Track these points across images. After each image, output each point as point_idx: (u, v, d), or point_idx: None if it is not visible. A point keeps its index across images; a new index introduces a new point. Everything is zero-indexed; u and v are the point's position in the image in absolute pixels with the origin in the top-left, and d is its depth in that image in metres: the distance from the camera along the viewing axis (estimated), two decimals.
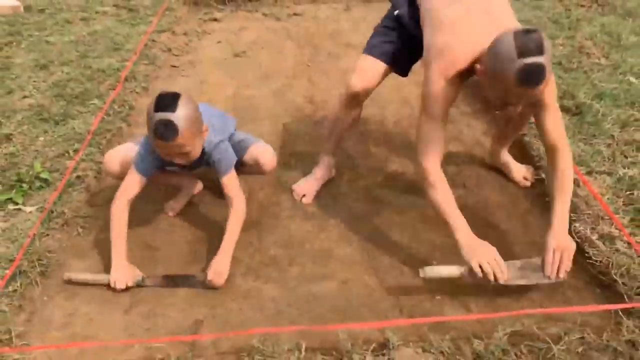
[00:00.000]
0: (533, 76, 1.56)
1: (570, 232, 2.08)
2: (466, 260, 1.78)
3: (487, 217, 2.27)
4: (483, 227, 2.21)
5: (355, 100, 2.27)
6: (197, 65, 3.75)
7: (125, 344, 1.75)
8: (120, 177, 2.13)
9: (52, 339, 1.79)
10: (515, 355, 1.61)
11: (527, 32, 1.58)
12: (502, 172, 2.53)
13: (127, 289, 1.97)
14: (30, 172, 2.49)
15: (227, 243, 2.03)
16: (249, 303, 1.92)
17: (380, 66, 2.19)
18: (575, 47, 3.51)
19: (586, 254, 1.99)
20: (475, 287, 1.88)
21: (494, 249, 1.80)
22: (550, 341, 1.64)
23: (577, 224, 2.10)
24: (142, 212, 2.30)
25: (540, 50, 1.55)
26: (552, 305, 1.84)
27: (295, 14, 4.56)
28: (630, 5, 4.25)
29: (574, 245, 1.81)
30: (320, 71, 3.63)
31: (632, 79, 3.10)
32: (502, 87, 1.65)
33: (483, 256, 1.77)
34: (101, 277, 2.00)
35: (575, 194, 2.22)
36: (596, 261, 1.96)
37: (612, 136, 2.62)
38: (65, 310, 1.90)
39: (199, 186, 2.48)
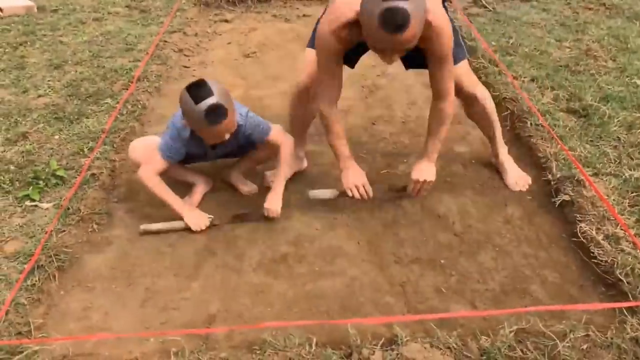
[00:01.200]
0: (393, 20, 1.58)
1: (574, 233, 2.13)
2: (342, 182, 2.20)
3: (494, 216, 2.31)
4: (489, 226, 2.26)
5: (306, 94, 2.33)
6: (207, 66, 3.80)
7: (141, 337, 1.80)
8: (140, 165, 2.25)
9: (69, 331, 1.85)
10: (522, 351, 1.64)
11: None
12: None
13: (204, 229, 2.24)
14: (47, 170, 2.55)
15: (279, 182, 2.32)
16: (260, 299, 1.96)
17: None
18: (582, 50, 3.54)
19: (591, 254, 2.03)
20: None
21: (363, 175, 2.20)
22: (555, 338, 1.67)
23: (582, 224, 2.13)
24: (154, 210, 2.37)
25: None
26: (557, 304, 1.88)
27: (304, 15, 4.61)
28: (638, 9, 4.27)
29: (431, 178, 2.21)
30: None
31: (639, 82, 3.13)
32: (370, 33, 1.69)
33: (353, 180, 2.17)
34: (175, 224, 2.24)
35: (581, 195, 2.27)
36: (601, 261, 1.99)
37: (619, 138, 2.65)
38: (82, 304, 1.96)
39: (211, 183, 2.54)
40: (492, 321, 1.81)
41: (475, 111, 2.43)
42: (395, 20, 1.59)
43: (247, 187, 2.51)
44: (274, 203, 2.28)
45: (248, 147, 2.41)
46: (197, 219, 2.25)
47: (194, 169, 2.51)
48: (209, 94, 1.95)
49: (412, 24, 1.60)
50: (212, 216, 2.28)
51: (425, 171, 2.21)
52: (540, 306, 1.85)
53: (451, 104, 2.11)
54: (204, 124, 1.99)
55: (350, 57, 2.22)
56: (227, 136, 2.11)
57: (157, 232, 2.26)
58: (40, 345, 1.74)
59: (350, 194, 2.19)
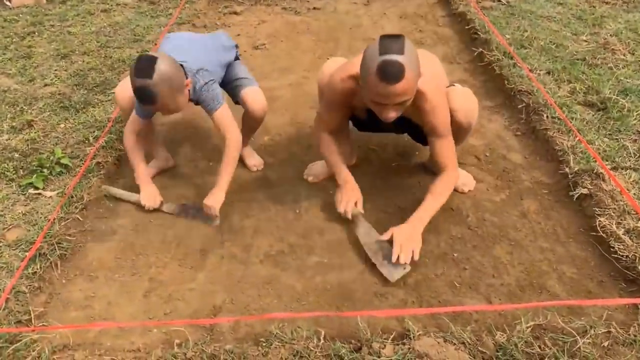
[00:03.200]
0: (391, 71, 1.71)
1: (593, 227, 2.05)
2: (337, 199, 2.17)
3: (509, 210, 2.24)
4: (505, 220, 2.18)
5: None
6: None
7: (144, 327, 1.74)
8: (128, 107, 2.29)
9: (70, 320, 1.79)
10: (539, 347, 1.57)
11: (393, 36, 1.77)
12: (522, 164, 2.49)
13: (153, 210, 2.25)
14: (51, 158, 2.50)
15: (222, 177, 2.18)
16: (268, 290, 1.90)
17: None
18: (600, 43, 3.45)
19: (611, 249, 1.95)
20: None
21: (357, 195, 2.15)
22: (576, 334, 1.60)
23: (602, 219, 2.05)
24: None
25: (400, 51, 1.72)
26: (576, 299, 1.80)
27: (314, 8, 4.54)
28: None
29: (417, 245, 1.92)
30: None
31: None
32: (368, 85, 1.79)
33: (345, 195, 2.14)
34: (133, 197, 2.30)
35: (600, 189, 2.18)
36: (622, 256, 1.91)
37: (638, 132, 2.56)
38: (84, 293, 1.91)
39: (171, 162, 2.56)
40: (508, 316, 1.74)
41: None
42: (391, 71, 1.71)
43: (253, 161, 2.53)
44: (214, 200, 2.15)
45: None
46: (150, 197, 2.25)
47: (161, 143, 2.53)
48: (148, 75, 1.88)
49: (407, 77, 1.72)
50: (162, 200, 2.28)
51: (410, 236, 1.94)
52: (558, 301, 1.78)
53: (455, 176, 2.09)
54: (136, 98, 1.97)
55: (360, 123, 2.35)
56: (164, 114, 2.08)
57: (116, 198, 2.34)
58: (40, 334, 1.69)
59: (338, 203, 2.15)
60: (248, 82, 2.41)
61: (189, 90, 2.11)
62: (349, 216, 2.11)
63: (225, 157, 2.17)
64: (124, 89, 2.25)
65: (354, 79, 1.98)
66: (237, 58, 2.52)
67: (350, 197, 2.14)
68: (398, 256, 1.89)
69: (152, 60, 1.91)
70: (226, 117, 2.18)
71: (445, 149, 2.05)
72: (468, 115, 2.09)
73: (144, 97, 1.92)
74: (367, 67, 1.77)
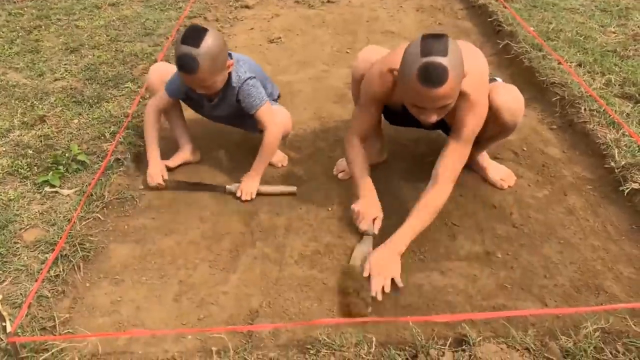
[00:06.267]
0: (433, 74, 1.59)
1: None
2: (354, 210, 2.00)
3: (554, 206, 2.12)
4: (551, 217, 2.07)
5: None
6: (231, 51, 3.60)
7: (178, 334, 1.62)
8: (157, 86, 2.30)
9: (97, 326, 1.67)
10: (611, 353, 1.46)
11: (435, 36, 1.65)
12: (562, 159, 2.39)
13: (159, 188, 2.23)
14: (67, 155, 2.37)
15: (257, 164, 2.21)
16: (306, 293, 1.78)
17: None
18: (628, 35, 3.34)
19: None
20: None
21: (376, 212, 1.98)
22: None
23: None
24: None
25: (443, 53, 1.60)
26: (638, 301, 1.69)
27: (328, 1, 4.41)
28: None
29: (395, 273, 1.75)
30: None
31: None
32: (408, 87, 1.68)
33: (363, 209, 1.97)
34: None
35: None
36: None
37: None
38: (110, 297, 1.78)
39: (197, 156, 2.46)
40: (567, 319, 1.63)
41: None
42: (433, 74, 1.60)
43: (276, 157, 2.41)
44: (249, 185, 2.19)
45: (247, 116, 2.21)
46: (153, 174, 2.23)
47: (190, 136, 2.43)
48: (195, 44, 1.89)
49: (450, 80, 1.61)
50: (167, 179, 2.26)
51: (382, 260, 1.79)
52: (618, 303, 1.67)
53: (449, 191, 1.86)
54: (176, 64, 1.96)
55: (392, 116, 2.21)
56: (200, 90, 2.05)
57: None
58: (67, 343, 1.56)
59: (355, 214, 1.99)
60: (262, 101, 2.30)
61: (229, 74, 2.08)
62: (361, 231, 1.96)
63: (261, 148, 2.19)
64: (160, 69, 2.31)
65: (394, 73, 1.83)
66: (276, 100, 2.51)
67: (369, 213, 1.97)
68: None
69: (203, 30, 1.93)
70: (267, 113, 2.18)
71: (458, 156, 1.88)
72: (514, 114, 1.93)
73: (186, 65, 1.92)
74: (408, 68, 1.65)
